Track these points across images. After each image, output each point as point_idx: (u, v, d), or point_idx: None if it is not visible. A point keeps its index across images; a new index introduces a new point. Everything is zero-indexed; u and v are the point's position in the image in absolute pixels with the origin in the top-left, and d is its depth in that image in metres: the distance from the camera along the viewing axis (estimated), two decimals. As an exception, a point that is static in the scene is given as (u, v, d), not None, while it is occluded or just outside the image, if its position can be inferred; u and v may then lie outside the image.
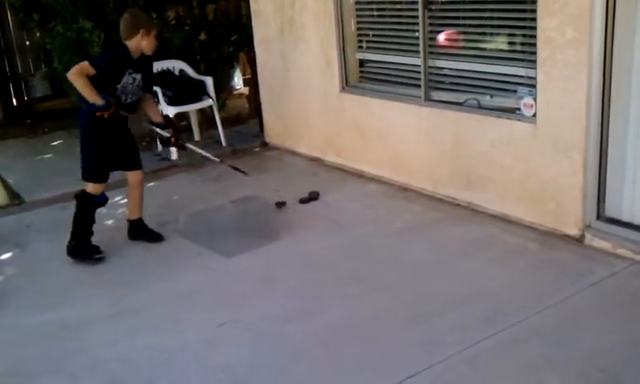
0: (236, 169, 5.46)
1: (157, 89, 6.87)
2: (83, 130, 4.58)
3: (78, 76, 4.27)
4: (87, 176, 4.59)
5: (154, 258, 4.67)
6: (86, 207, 4.61)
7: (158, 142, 5.59)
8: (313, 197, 5.46)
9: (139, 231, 4.91)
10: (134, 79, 4.51)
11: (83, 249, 4.63)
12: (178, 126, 4.97)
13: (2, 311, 4.11)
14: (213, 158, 5.53)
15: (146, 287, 4.25)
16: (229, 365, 3.34)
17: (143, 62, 4.58)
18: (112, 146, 4.58)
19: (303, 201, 5.41)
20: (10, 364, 3.50)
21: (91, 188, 4.58)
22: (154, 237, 4.90)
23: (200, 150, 5.47)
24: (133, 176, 4.78)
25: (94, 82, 4.31)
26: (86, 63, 4.32)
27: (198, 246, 4.77)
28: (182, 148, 5.28)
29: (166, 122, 4.93)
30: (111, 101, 4.36)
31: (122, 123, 4.63)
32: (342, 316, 3.68)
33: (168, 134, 4.91)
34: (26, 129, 9.03)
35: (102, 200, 4.66)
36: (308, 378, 3.19)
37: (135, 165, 4.78)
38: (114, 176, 4.80)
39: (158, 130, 4.91)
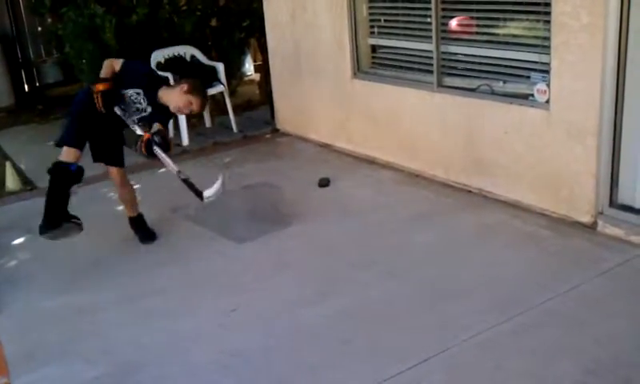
0: (191, 188, 4.41)
1: (167, 74, 6.89)
2: (75, 102, 4.51)
3: (107, 62, 4.40)
4: (62, 140, 4.34)
5: (166, 244, 4.69)
6: (60, 178, 4.26)
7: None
8: (324, 183, 5.46)
9: (135, 228, 4.82)
10: (142, 103, 4.39)
11: (53, 220, 4.25)
12: (168, 139, 4.32)
13: (16, 295, 4.15)
14: (173, 168, 4.41)
15: (159, 273, 4.28)
16: (241, 349, 3.36)
17: (160, 106, 4.44)
18: (96, 128, 4.42)
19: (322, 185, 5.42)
20: (26, 347, 3.52)
21: (65, 154, 4.26)
22: (146, 237, 4.77)
23: (167, 160, 4.38)
24: (112, 172, 4.68)
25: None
26: (120, 60, 4.40)
27: (210, 232, 4.79)
28: (148, 154, 4.29)
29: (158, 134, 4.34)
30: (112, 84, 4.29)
31: (115, 120, 4.41)
32: (354, 301, 3.69)
33: (141, 132, 4.30)
34: (38, 115, 9.08)
35: (75, 169, 4.27)
36: (320, 362, 3.20)
37: (115, 161, 4.64)
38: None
39: (137, 127, 4.39)
